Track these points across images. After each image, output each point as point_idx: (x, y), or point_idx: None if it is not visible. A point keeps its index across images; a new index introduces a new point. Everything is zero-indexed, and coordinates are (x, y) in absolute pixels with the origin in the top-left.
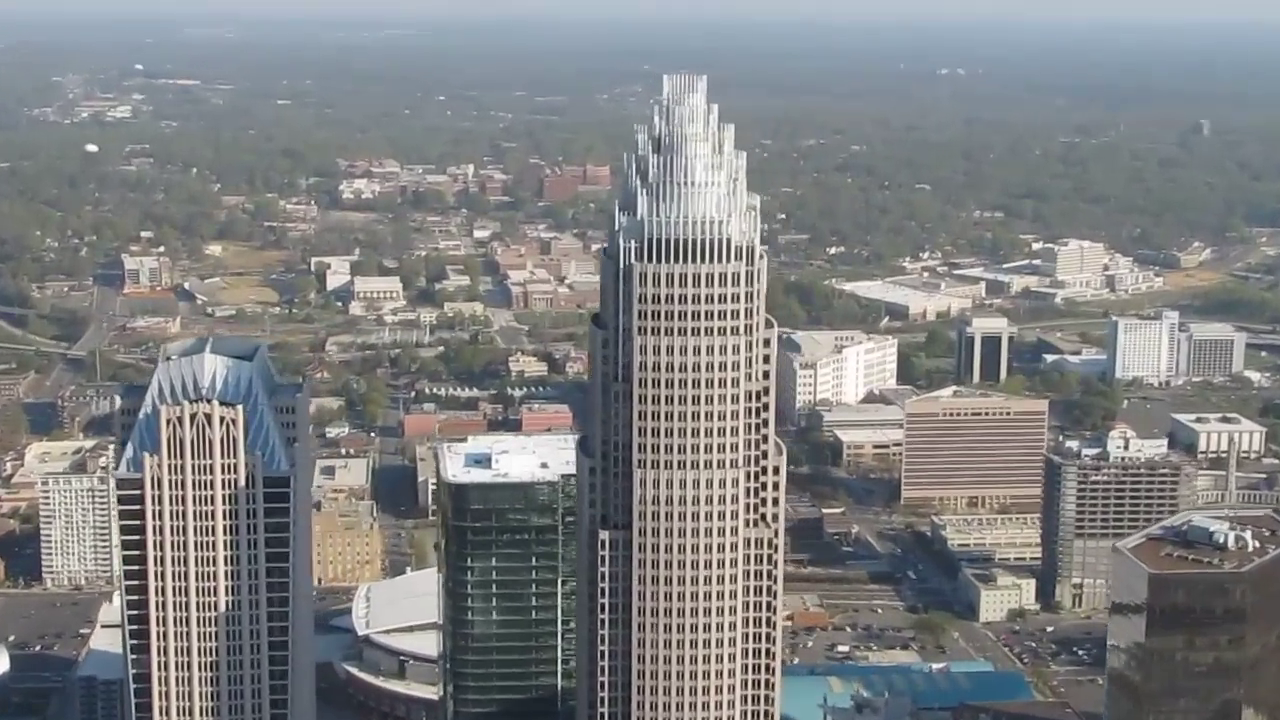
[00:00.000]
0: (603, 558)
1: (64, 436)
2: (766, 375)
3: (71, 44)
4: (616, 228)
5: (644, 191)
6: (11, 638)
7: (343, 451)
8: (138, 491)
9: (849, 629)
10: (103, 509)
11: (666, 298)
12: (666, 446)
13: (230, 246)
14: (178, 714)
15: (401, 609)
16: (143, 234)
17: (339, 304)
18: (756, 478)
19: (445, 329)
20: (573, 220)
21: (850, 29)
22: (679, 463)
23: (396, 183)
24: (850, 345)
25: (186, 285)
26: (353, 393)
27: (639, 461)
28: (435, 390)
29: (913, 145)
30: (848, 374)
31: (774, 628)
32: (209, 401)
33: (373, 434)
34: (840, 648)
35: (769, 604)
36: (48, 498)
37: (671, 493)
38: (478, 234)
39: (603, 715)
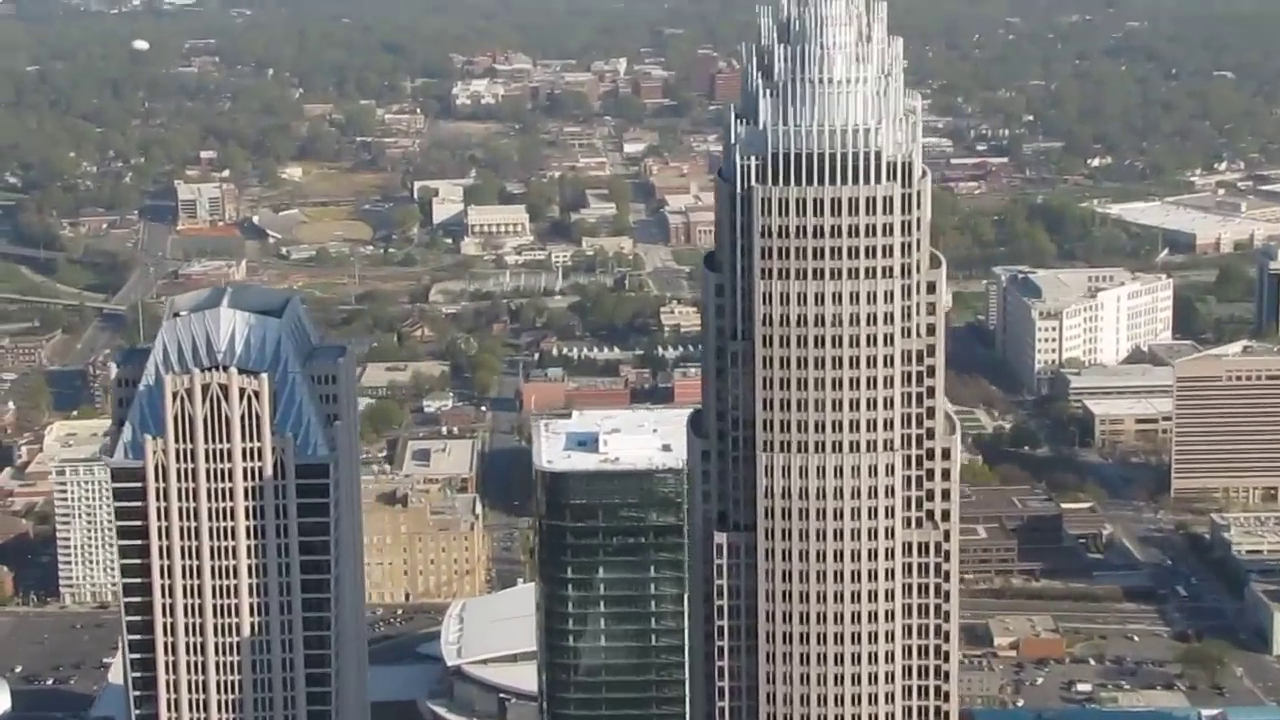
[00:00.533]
0: (719, 567)
1: (94, 414)
2: (931, 330)
3: None
4: (732, 140)
5: (767, 92)
6: (19, 668)
7: (443, 430)
8: (138, 484)
9: (1093, 661)
10: None
11: (797, 230)
12: (799, 424)
13: (313, 168)
14: None
15: (505, 632)
16: (203, 154)
17: (448, 241)
18: (920, 463)
19: (583, 272)
20: None
21: None
22: (816, 445)
23: (526, 83)
24: (1109, 288)
25: (256, 219)
26: (460, 355)
27: (764, 444)
28: (566, 351)
29: (1211, 21)
30: (1105, 325)
31: (946, 659)
32: (226, 369)
33: (484, 408)
34: (1081, 686)
35: (938, 628)
36: (65, 492)
37: (807, 484)
38: (629, 149)
39: None
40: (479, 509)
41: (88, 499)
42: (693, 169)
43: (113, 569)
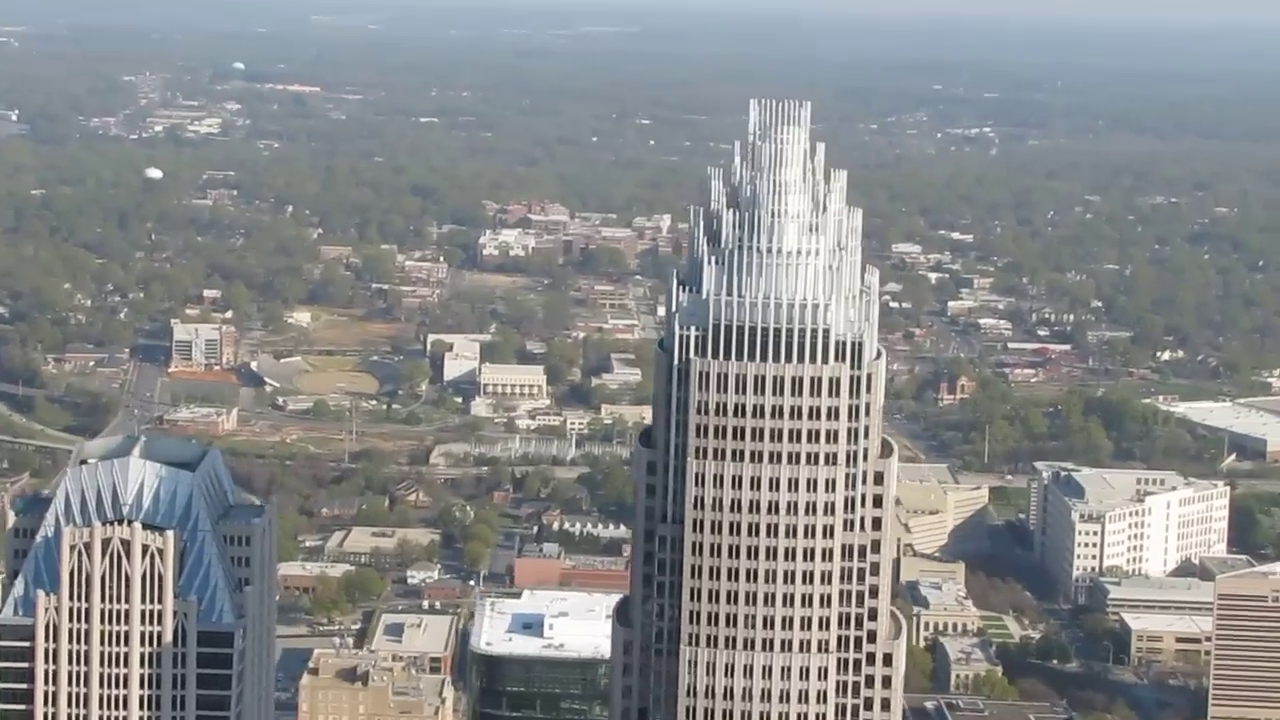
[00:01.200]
0: None
1: None
2: (877, 524)
3: (159, 29)
4: (673, 308)
5: (712, 260)
6: None
7: (425, 604)
8: (26, 643)
9: None
10: None
11: (736, 408)
12: (728, 618)
13: (322, 314)
14: None
15: None
16: (206, 293)
17: (458, 400)
18: (858, 668)
19: (598, 441)
20: None
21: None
22: (746, 641)
23: (560, 236)
24: (1159, 492)
25: (254, 365)
26: (454, 524)
27: (690, 637)
28: (569, 526)
29: None
30: (1152, 532)
31: None
32: (129, 524)
33: (472, 582)
34: None
35: None
36: None
37: (733, 683)
38: (662, 311)
39: None
40: (447, 692)
41: None
42: None
43: None
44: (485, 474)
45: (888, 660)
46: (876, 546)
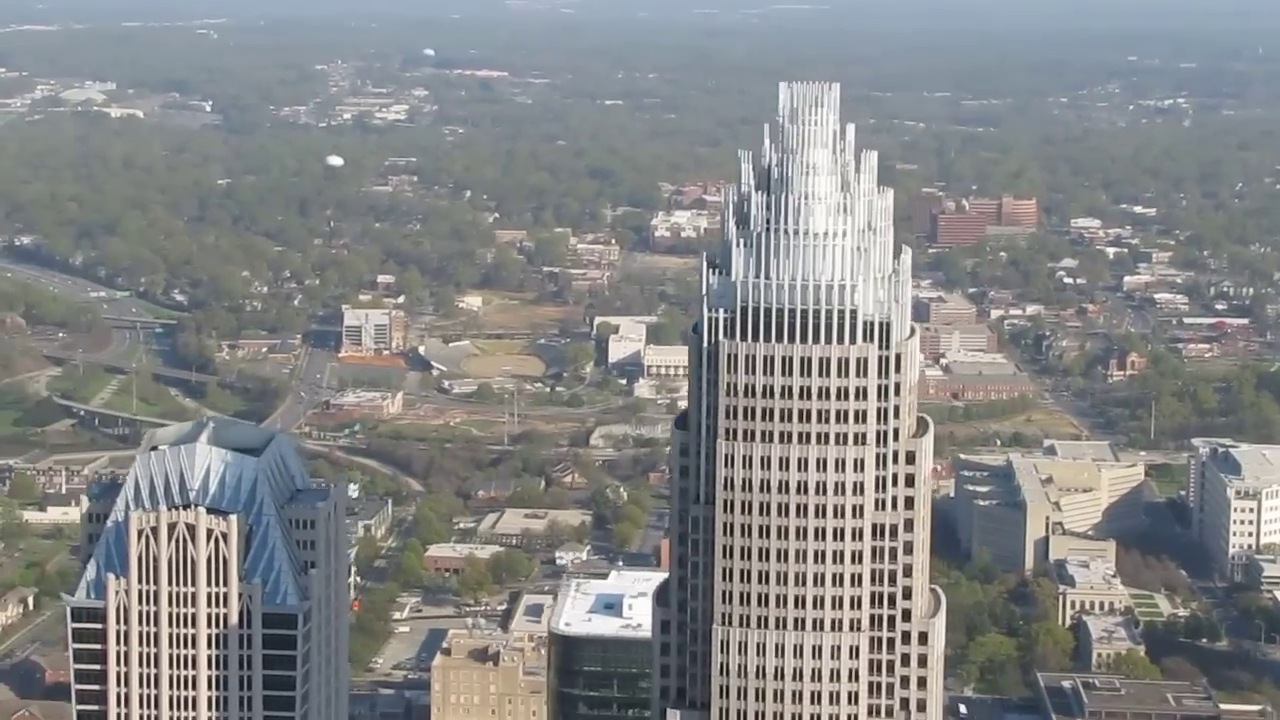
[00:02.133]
0: None
1: None
2: (910, 503)
3: (355, 17)
4: (703, 291)
5: (741, 243)
6: None
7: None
8: (98, 625)
9: None
10: None
11: (764, 389)
12: (760, 597)
13: (493, 298)
14: None
15: None
16: (380, 278)
17: (622, 382)
18: (891, 647)
19: None
20: (970, 275)
21: None
22: (777, 621)
23: None
24: None
25: (422, 350)
26: (606, 505)
27: (722, 617)
28: None
29: None
30: None
31: None
32: (194, 509)
33: (619, 564)
34: None
35: None
36: None
37: (764, 663)
38: None
39: None
40: None
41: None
42: None
43: None
44: (643, 455)
45: (923, 639)
46: (910, 525)
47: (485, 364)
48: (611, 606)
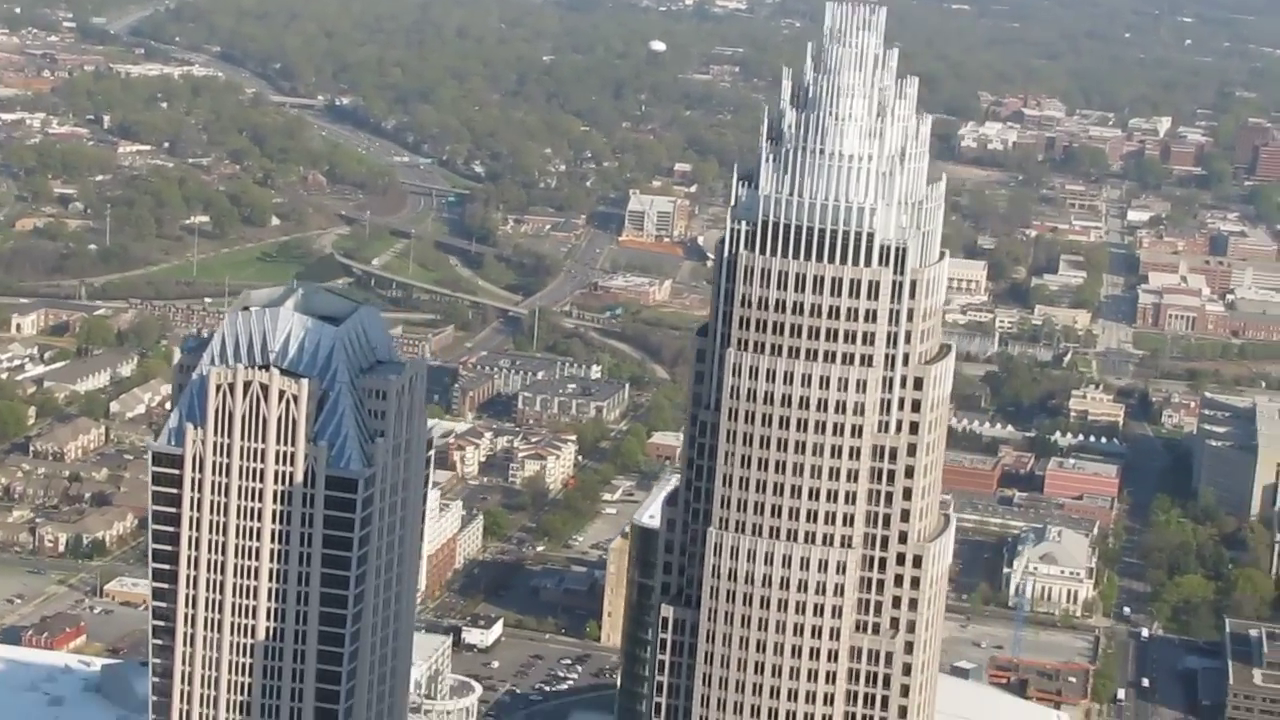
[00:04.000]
0: (663, 641)
1: (437, 414)
2: (914, 428)
3: None
4: (732, 203)
5: (771, 158)
6: None
7: None
8: (175, 471)
9: None
10: None
11: (777, 304)
12: (756, 505)
13: None
14: None
15: None
16: (677, 166)
17: None
18: (883, 566)
19: (1024, 340)
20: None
21: None
22: (771, 530)
23: (1047, 132)
24: None
25: (701, 240)
26: None
27: (720, 520)
28: (959, 422)
29: None
30: None
31: None
32: (271, 369)
33: None
34: None
35: None
36: None
37: (754, 569)
38: (1133, 215)
39: None
40: None
41: None
42: (1190, 247)
43: None
44: None
45: (918, 562)
46: (912, 450)
47: None
48: None
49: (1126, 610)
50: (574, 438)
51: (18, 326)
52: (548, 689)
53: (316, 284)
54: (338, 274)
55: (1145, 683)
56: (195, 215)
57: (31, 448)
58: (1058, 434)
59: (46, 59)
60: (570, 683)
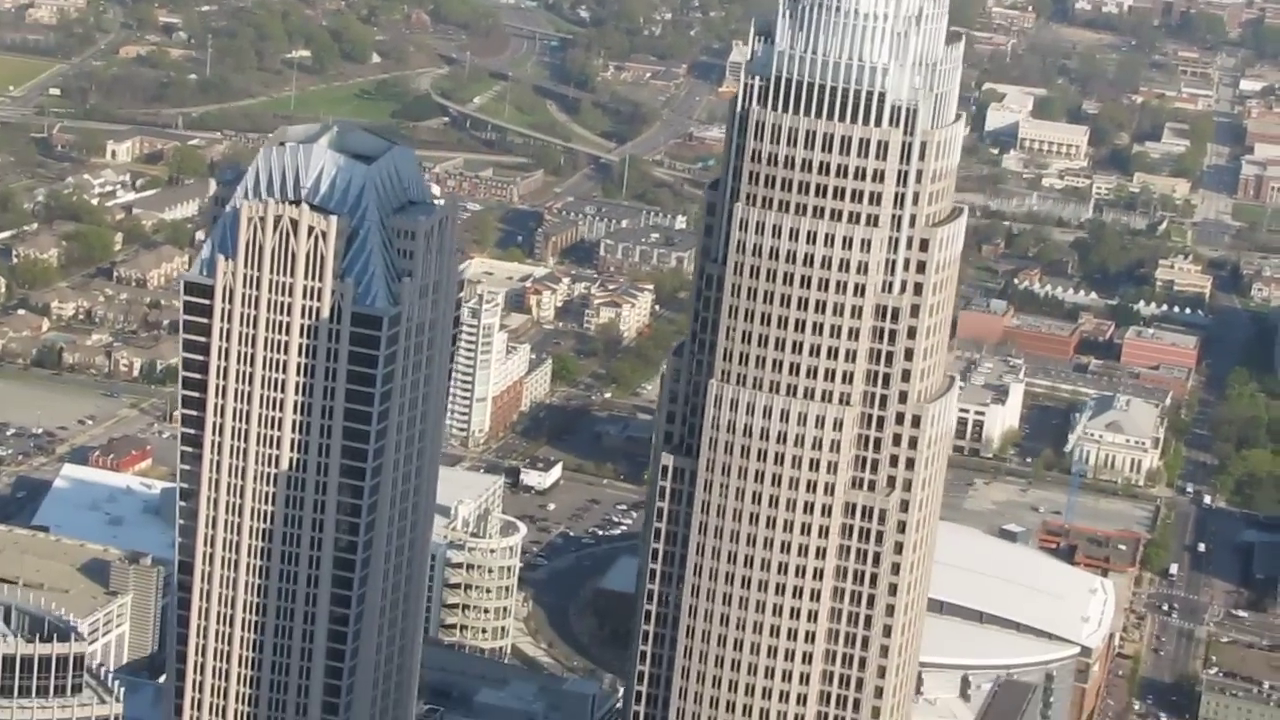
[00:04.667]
0: (662, 489)
1: (520, 258)
2: (918, 289)
3: None
4: (748, 57)
5: (788, 14)
6: None
7: None
8: (206, 301)
9: None
10: (469, 351)
11: (786, 160)
12: (758, 359)
13: None
14: (221, 585)
15: None
16: None
17: (994, 151)
18: (881, 425)
19: (1120, 208)
20: None
21: None
22: (772, 384)
23: None
24: None
25: None
26: None
27: (722, 373)
28: (1042, 287)
29: None
30: None
31: (870, 627)
32: (301, 205)
33: None
34: None
35: (870, 597)
36: None
37: (752, 421)
38: (1245, 84)
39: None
40: None
41: None
42: None
43: None
44: (983, 226)
45: (916, 421)
46: (915, 311)
47: None
48: None
49: (1189, 485)
50: (651, 287)
51: (112, 153)
52: (600, 533)
53: (348, 121)
54: (434, 114)
55: (1201, 549)
56: (296, 49)
57: (116, 273)
58: (1141, 303)
59: None
60: (624, 528)
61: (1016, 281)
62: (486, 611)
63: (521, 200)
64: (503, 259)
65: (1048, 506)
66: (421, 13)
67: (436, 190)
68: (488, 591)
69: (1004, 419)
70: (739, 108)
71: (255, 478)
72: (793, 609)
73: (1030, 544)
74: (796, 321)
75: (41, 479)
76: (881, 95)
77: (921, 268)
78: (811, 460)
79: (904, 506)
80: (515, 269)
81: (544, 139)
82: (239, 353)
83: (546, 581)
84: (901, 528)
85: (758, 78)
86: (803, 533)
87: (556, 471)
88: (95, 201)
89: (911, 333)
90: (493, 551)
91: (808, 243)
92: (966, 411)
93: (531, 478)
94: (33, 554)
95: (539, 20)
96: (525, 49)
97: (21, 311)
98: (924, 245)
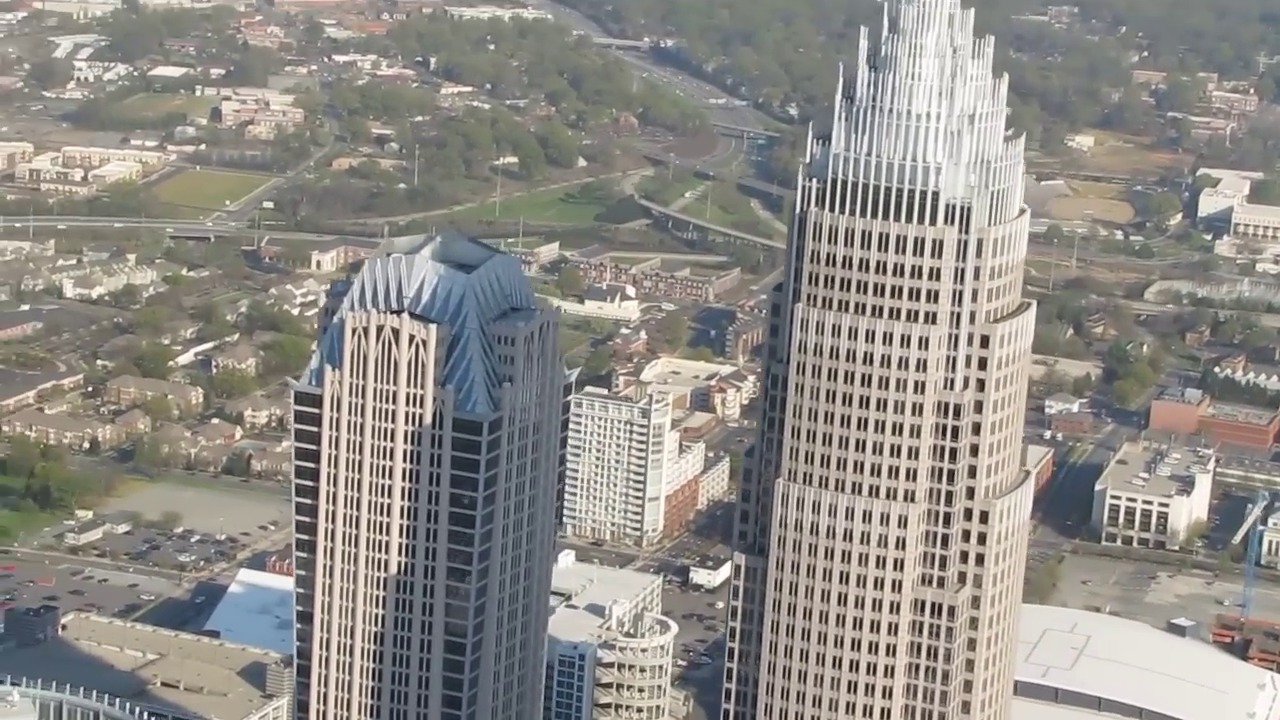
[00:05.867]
0: (736, 588)
1: (707, 357)
2: (980, 385)
3: None
4: (806, 160)
5: (844, 116)
6: None
7: (1045, 435)
8: (315, 410)
9: None
10: (640, 451)
11: (844, 260)
12: (822, 458)
13: (1107, 139)
14: (336, 686)
15: None
16: None
17: (1206, 237)
18: (949, 521)
19: None
20: None
21: None
22: (837, 482)
23: None
24: None
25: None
26: (1124, 359)
27: (789, 472)
28: (1245, 374)
29: None
30: None
31: None
32: (403, 314)
33: (1109, 419)
34: None
35: (942, 694)
36: (580, 424)
37: (819, 520)
38: None
39: None
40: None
41: (599, 434)
42: None
43: (615, 508)
44: (1188, 313)
45: (984, 517)
46: (979, 406)
47: (1071, 205)
48: None
49: None
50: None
51: (317, 263)
52: None
53: (458, 233)
54: (636, 215)
55: None
56: (504, 156)
57: None
58: None
59: (388, 1)
60: None
61: (1218, 370)
62: (639, 711)
63: (717, 299)
64: (693, 358)
65: (1233, 599)
66: (630, 116)
67: (631, 291)
68: (640, 691)
69: (1190, 510)
70: (798, 210)
71: (366, 581)
72: (865, 706)
73: (1203, 638)
74: (859, 420)
75: (220, 584)
76: (935, 194)
77: (984, 364)
78: (878, 558)
79: (974, 602)
80: (702, 368)
81: (744, 237)
82: (347, 459)
83: (711, 680)
84: (974, 623)
85: (815, 180)
86: (873, 630)
87: (726, 570)
88: (296, 311)
89: (976, 428)
90: (644, 651)
91: (867, 341)
92: (1151, 503)
93: (700, 576)
94: (196, 658)
95: (747, 119)
96: (733, 148)
97: (216, 420)
98: (984, 341)
